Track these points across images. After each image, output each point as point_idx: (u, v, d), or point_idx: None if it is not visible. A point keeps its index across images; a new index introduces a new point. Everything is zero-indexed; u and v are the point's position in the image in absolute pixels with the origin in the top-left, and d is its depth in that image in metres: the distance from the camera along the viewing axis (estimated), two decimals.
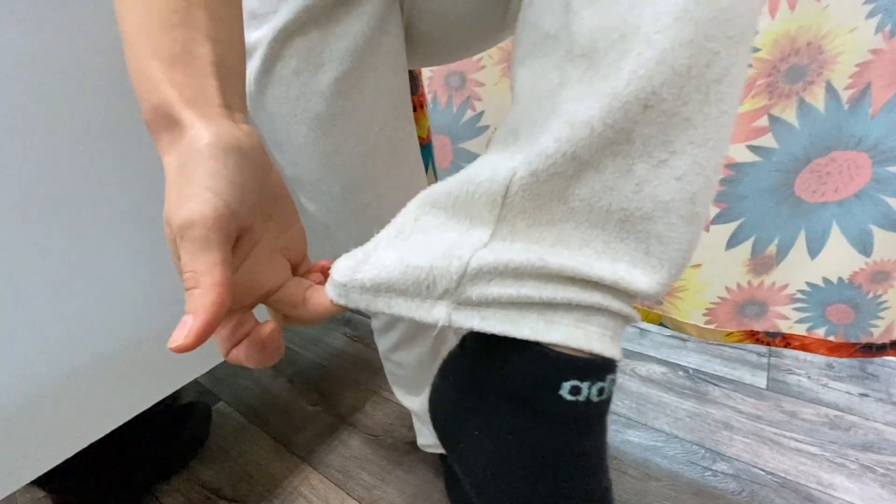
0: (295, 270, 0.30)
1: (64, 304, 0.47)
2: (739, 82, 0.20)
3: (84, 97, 0.46)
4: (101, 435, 0.51)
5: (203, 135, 0.21)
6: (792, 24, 0.50)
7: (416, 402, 0.63)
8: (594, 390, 0.22)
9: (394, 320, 0.52)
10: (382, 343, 0.58)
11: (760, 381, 0.90)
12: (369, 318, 0.58)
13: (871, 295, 0.58)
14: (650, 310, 0.75)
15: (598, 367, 0.22)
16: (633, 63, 0.18)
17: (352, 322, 1.26)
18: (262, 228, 0.26)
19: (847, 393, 0.86)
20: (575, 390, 0.21)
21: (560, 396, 0.21)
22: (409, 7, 0.38)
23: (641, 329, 1.09)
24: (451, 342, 0.60)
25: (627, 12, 0.18)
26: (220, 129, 0.22)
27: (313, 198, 0.43)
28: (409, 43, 0.42)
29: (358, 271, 0.24)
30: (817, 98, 0.52)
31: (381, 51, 0.37)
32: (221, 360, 0.64)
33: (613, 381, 0.23)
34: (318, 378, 1.06)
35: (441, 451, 0.70)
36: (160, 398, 0.57)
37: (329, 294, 0.26)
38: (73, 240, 0.46)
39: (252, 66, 0.36)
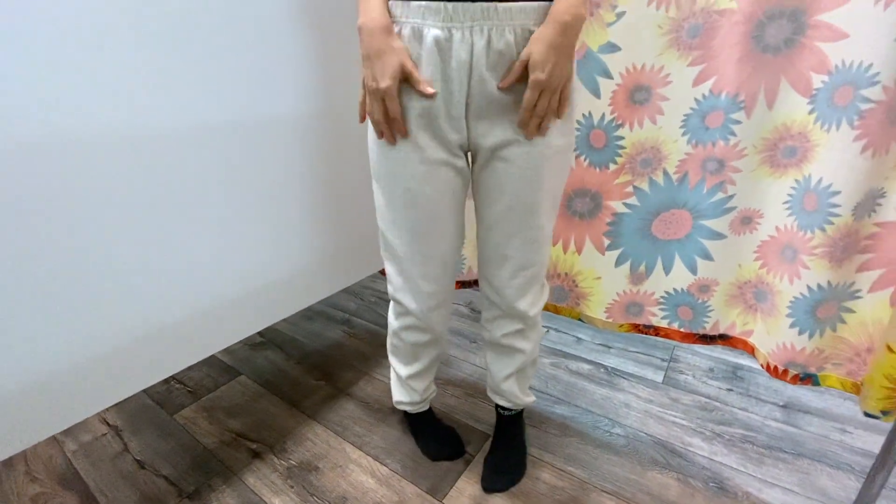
0: None
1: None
2: None
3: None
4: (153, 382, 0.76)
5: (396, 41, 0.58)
6: (643, 135, 0.84)
7: (405, 370, 0.88)
8: None
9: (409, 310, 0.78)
10: (398, 322, 0.81)
11: (658, 377, 1.20)
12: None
13: (700, 300, 0.90)
14: (573, 308, 1.05)
15: None
16: None
17: (349, 322, 1.53)
18: None
19: (718, 388, 1.16)
20: None
21: None
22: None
23: (578, 338, 1.39)
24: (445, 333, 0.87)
25: None
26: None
27: (391, 230, 0.70)
28: None
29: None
30: (659, 177, 0.86)
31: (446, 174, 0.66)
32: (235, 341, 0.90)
33: None
34: (321, 362, 1.33)
35: (409, 409, 0.95)
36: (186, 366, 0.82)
37: None
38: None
39: None
